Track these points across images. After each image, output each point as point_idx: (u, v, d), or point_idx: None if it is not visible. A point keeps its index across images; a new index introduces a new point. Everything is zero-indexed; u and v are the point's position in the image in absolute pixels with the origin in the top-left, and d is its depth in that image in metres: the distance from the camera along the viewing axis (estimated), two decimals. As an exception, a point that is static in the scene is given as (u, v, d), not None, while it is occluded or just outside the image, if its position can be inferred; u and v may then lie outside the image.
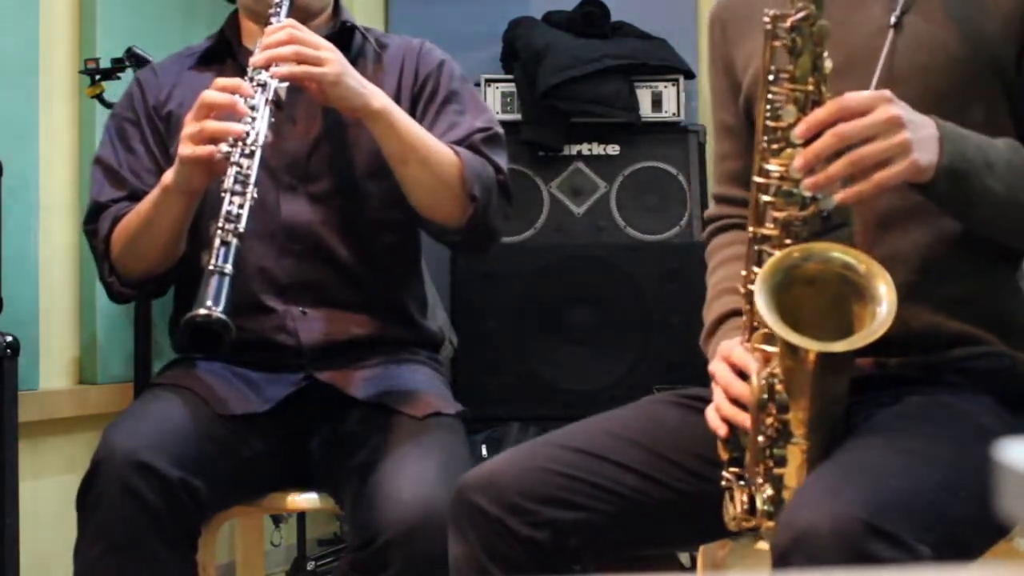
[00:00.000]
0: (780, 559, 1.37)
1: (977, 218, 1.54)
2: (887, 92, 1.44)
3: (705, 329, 1.76)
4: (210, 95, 1.91)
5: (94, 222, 2.12)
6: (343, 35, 2.18)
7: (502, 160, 2.11)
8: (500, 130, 2.15)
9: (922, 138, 1.44)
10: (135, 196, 2.10)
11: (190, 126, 1.91)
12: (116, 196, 2.12)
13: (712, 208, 1.89)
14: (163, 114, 2.16)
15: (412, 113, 2.12)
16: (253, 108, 1.91)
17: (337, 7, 2.24)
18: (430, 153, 2.00)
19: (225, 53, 2.20)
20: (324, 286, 2.10)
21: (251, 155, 1.87)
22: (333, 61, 1.93)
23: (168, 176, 1.97)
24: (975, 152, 1.48)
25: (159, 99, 2.17)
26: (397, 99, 2.13)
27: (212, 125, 1.88)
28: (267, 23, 2.02)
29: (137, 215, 2.05)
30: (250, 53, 2.14)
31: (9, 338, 2.21)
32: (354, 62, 2.15)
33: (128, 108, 2.19)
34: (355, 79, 1.96)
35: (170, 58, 2.27)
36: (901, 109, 1.43)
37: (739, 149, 1.76)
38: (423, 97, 2.15)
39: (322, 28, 2.18)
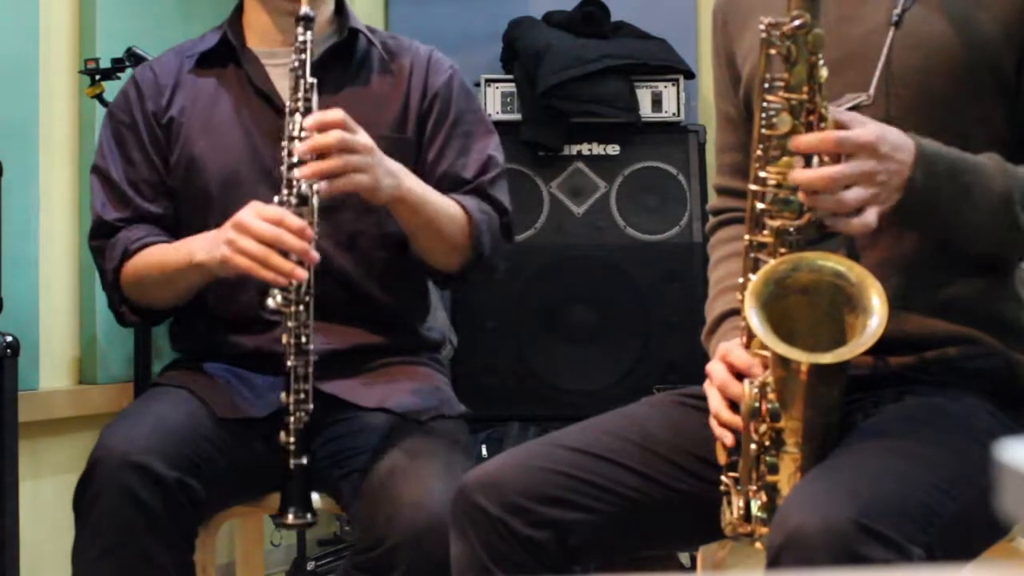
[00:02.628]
0: (773, 559, 1.37)
1: (955, 241, 1.56)
2: (874, 144, 1.45)
3: (706, 326, 1.76)
4: (256, 228, 1.84)
5: (99, 239, 2.11)
6: (350, 42, 2.15)
7: (506, 197, 2.14)
8: (501, 158, 2.17)
9: (891, 186, 1.46)
10: (140, 216, 2.09)
11: (244, 240, 1.85)
12: (121, 216, 2.10)
13: (715, 200, 1.89)
14: (163, 122, 2.12)
15: (420, 131, 2.12)
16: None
17: (341, 8, 2.18)
18: (443, 223, 2.01)
19: (227, 56, 2.15)
20: (325, 299, 2.08)
21: (307, 306, 1.89)
22: (372, 166, 1.87)
23: (200, 255, 1.94)
24: (951, 182, 1.49)
25: (159, 104, 2.13)
26: (404, 114, 2.12)
27: (275, 260, 1.84)
28: (296, 47, 1.94)
29: (156, 268, 2.03)
30: (255, 57, 2.13)
31: (9, 338, 2.21)
32: (358, 71, 2.14)
33: (124, 111, 2.15)
34: (388, 172, 1.91)
35: (168, 55, 2.21)
36: (876, 162, 1.44)
37: (740, 141, 1.77)
38: (431, 118, 2.14)
39: (325, 32, 2.16)
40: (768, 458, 1.49)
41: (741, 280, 1.56)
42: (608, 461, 1.62)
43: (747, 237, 1.55)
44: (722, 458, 1.56)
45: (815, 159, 1.48)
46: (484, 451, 2.99)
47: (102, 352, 2.73)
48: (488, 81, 3.35)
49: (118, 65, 2.56)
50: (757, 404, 1.48)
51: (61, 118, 2.69)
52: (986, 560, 1.59)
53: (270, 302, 1.87)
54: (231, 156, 2.09)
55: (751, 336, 1.54)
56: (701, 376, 1.63)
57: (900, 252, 1.61)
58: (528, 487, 1.59)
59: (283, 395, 1.89)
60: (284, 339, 1.88)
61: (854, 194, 1.44)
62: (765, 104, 1.52)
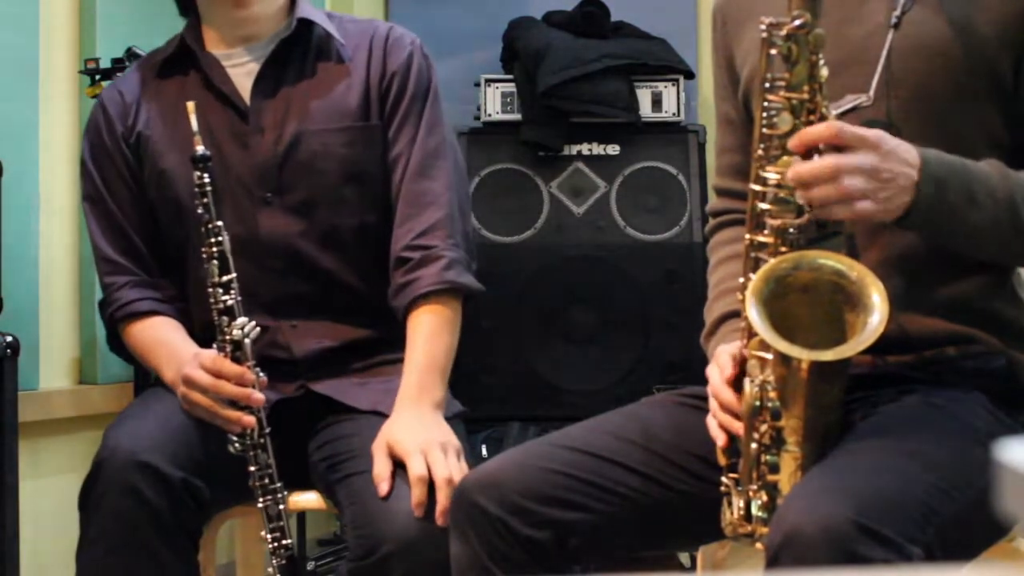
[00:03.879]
0: (772, 559, 1.37)
1: (959, 248, 1.56)
2: (875, 140, 1.45)
3: (706, 328, 1.76)
4: (199, 381, 1.90)
5: (104, 276, 2.13)
6: (302, 34, 2.11)
7: (444, 176, 2.10)
8: (445, 137, 2.13)
9: (899, 185, 1.45)
10: (133, 250, 2.11)
11: (193, 394, 1.91)
12: (118, 249, 2.11)
13: (714, 201, 1.89)
14: (132, 141, 2.12)
15: (380, 111, 2.11)
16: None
17: None
18: (456, 340, 2.08)
19: (187, 62, 2.14)
20: (310, 298, 2.09)
21: (264, 448, 1.91)
22: (447, 477, 1.84)
23: (169, 379, 1.99)
24: (957, 189, 1.49)
25: (127, 124, 2.12)
26: (366, 100, 2.10)
27: (221, 413, 1.91)
28: (195, 191, 1.96)
29: (136, 351, 2.10)
30: (215, 60, 2.12)
31: (9, 338, 2.21)
32: (315, 62, 2.12)
33: (96, 134, 2.15)
34: (432, 446, 1.88)
35: (133, 68, 2.22)
36: (880, 158, 1.44)
37: (740, 142, 1.77)
38: (391, 96, 2.12)
39: (279, 26, 2.12)
40: (769, 457, 1.49)
41: (741, 280, 1.56)
42: (608, 461, 1.62)
43: (748, 237, 1.55)
44: (722, 460, 1.56)
45: (815, 158, 1.47)
46: (484, 451, 2.99)
47: (102, 352, 2.72)
48: (488, 81, 3.35)
49: (118, 65, 2.56)
50: (758, 403, 1.48)
51: (61, 118, 2.69)
52: (986, 560, 1.59)
53: (231, 449, 1.91)
54: None
55: (751, 335, 1.54)
56: (701, 376, 1.63)
57: (900, 251, 1.61)
58: (528, 487, 1.59)
59: (262, 532, 1.91)
60: (251, 483, 1.91)
61: (853, 182, 1.43)
62: (766, 103, 1.52)
